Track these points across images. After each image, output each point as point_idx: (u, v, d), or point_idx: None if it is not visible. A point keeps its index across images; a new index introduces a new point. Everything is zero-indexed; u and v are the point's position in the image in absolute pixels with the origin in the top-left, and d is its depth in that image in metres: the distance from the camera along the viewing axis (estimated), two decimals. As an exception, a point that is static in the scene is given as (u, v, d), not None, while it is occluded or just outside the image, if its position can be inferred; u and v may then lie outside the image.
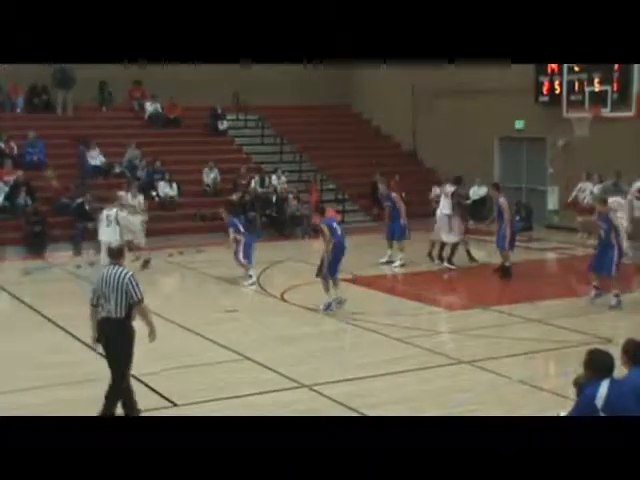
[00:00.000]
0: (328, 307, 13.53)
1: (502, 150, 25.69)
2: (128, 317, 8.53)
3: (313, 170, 26.56)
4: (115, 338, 8.52)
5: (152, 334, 8.73)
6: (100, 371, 10.59)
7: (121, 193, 21.45)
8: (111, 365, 8.56)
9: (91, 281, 16.61)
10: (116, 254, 8.90)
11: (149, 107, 26.76)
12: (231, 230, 16.26)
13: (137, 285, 8.51)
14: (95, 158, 23.84)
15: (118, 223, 16.02)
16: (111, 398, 8.52)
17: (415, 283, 16.15)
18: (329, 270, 13.55)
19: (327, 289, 13.61)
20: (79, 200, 21.52)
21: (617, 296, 13.69)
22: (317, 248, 21.20)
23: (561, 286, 17.16)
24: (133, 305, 8.50)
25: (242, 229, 16.36)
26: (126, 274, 8.52)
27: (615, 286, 13.76)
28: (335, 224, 14.02)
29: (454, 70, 18.82)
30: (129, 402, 8.66)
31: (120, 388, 8.52)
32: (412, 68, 20.89)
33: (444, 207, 17.67)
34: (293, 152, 26.89)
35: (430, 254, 17.85)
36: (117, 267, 8.64)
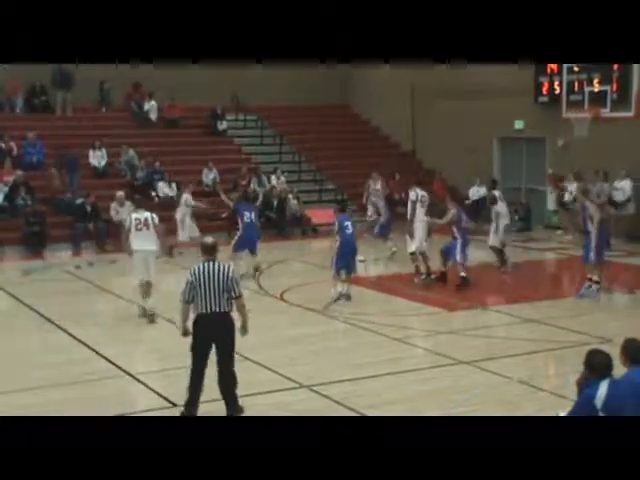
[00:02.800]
0: (336, 300, 14.11)
1: (502, 150, 25.69)
2: (229, 311, 8.69)
3: (312, 170, 26.58)
4: (220, 331, 8.63)
5: (244, 328, 8.89)
6: (100, 371, 10.63)
7: (120, 193, 21.52)
8: (220, 356, 8.67)
9: (91, 281, 16.85)
10: (211, 249, 8.88)
11: (148, 107, 26.75)
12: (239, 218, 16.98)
13: (237, 280, 8.76)
14: (97, 159, 23.85)
15: (155, 226, 13.31)
16: (231, 387, 8.71)
17: (415, 283, 16.12)
18: (335, 265, 14.29)
19: (334, 283, 14.38)
20: (79, 200, 21.53)
21: (592, 284, 14.27)
22: (317, 248, 21.25)
23: (560, 286, 17.18)
24: (233, 300, 8.65)
25: (246, 220, 16.69)
26: (227, 270, 8.66)
27: (592, 273, 14.33)
28: (348, 223, 14.48)
29: (454, 70, 18.86)
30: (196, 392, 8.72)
31: (234, 374, 8.73)
32: (412, 68, 20.91)
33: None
34: (292, 152, 26.90)
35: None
36: (215, 262, 8.70)
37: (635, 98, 19.98)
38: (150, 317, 13.13)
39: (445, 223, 15.92)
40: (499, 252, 17.09)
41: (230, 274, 8.62)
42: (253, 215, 17.00)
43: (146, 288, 13.20)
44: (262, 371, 10.50)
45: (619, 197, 20.88)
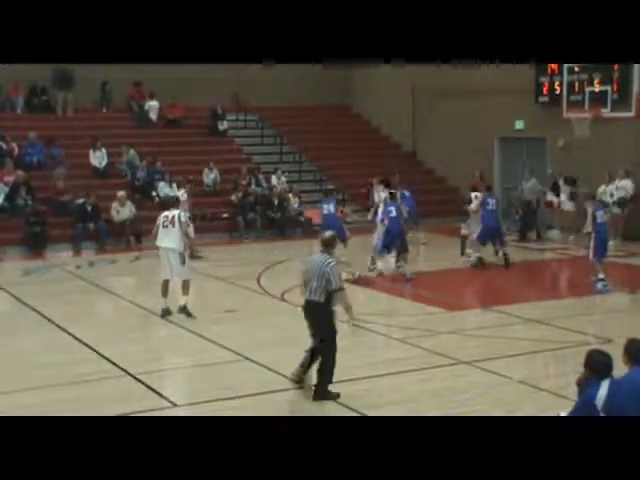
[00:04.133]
0: (377, 273, 16.49)
1: (502, 150, 25.68)
2: (328, 301, 9.25)
3: (313, 170, 26.58)
4: (317, 319, 9.37)
5: (350, 322, 9.60)
6: (100, 371, 10.63)
7: (121, 193, 21.53)
8: (320, 341, 9.40)
9: (92, 281, 16.86)
10: (328, 243, 9.54)
11: (149, 108, 26.76)
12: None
13: (337, 274, 9.26)
14: (98, 159, 23.86)
15: (180, 225, 13.27)
16: (326, 369, 9.35)
17: (415, 283, 16.13)
18: (378, 244, 16.56)
19: (374, 260, 16.84)
20: (80, 200, 21.53)
21: (600, 280, 14.79)
22: (318, 248, 21.24)
23: (561, 286, 17.19)
24: (331, 292, 9.18)
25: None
26: (329, 262, 9.21)
27: (597, 271, 14.85)
28: (393, 208, 16.50)
29: (454, 70, 18.86)
30: (305, 368, 9.52)
31: (332, 358, 9.35)
32: (412, 68, 20.92)
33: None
34: (293, 152, 26.90)
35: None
36: (324, 255, 9.35)
37: (635, 98, 19.97)
38: (164, 312, 13.32)
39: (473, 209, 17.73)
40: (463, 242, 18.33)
41: (329, 267, 9.14)
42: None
43: (164, 286, 13.37)
44: (262, 371, 10.49)
45: (621, 196, 20.88)
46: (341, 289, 9.30)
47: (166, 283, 13.35)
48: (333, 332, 9.38)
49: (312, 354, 9.48)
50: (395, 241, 16.41)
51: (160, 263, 13.54)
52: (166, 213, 13.52)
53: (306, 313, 9.49)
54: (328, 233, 9.78)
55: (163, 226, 13.30)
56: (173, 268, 13.27)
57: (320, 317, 9.34)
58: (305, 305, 9.47)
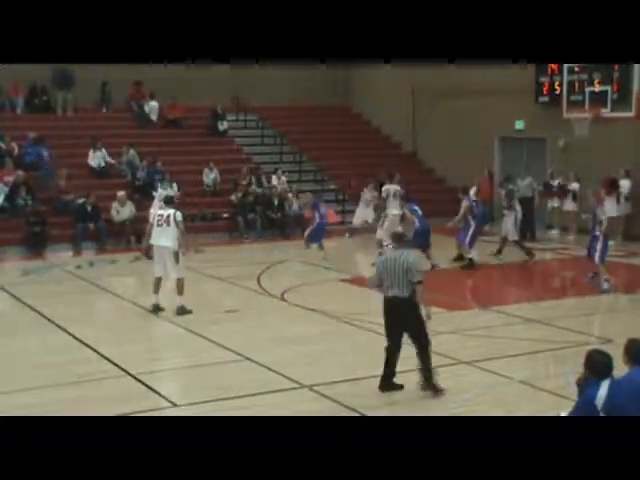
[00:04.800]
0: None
1: (502, 150, 25.68)
2: (412, 295, 9.34)
3: (313, 170, 26.58)
4: (406, 314, 9.41)
5: (427, 316, 9.54)
6: (100, 371, 10.63)
7: (121, 193, 21.53)
8: (412, 336, 9.53)
9: (92, 281, 16.85)
10: (399, 238, 9.82)
11: (149, 108, 26.76)
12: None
13: (418, 266, 9.43)
14: (98, 159, 23.86)
15: (177, 225, 13.30)
16: (425, 363, 9.52)
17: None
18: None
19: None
20: (80, 200, 21.53)
21: (606, 281, 14.74)
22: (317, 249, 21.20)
23: (561, 286, 17.18)
24: (414, 283, 9.30)
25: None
26: (407, 256, 9.39)
27: (602, 272, 14.84)
28: (417, 207, 17.16)
29: (454, 70, 18.82)
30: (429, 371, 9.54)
31: (428, 350, 9.50)
32: (412, 68, 20.92)
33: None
34: (293, 152, 26.90)
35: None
36: (400, 250, 9.52)
37: (635, 98, 19.98)
38: (154, 307, 13.48)
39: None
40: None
41: (409, 261, 9.29)
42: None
43: (156, 283, 13.53)
44: (262, 371, 10.49)
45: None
46: (421, 282, 9.34)
47: (158, 280, 13.57)
48: (423, 323, 9.47)
49: (390, 354, 9.58)
50: (420, 239, 16.61)
51: (154, 261, 13.74)
52: (160, 212, 13.67)
53: (391, 310, 9.46)
54: (398, 229, 10.15)
55: (157, 225, 13.43)
56: (167, 266, 13.41)
57: (409, 312, 9.39)
58: (390, 302, 9.44)
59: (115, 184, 22.71)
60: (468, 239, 17.46)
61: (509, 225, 18.24)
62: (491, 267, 17.40)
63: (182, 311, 13.39)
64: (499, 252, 18.27)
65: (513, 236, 18.21)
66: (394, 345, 9.58)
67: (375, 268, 9.73)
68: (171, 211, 13.49)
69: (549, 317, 13.08)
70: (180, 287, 13.43)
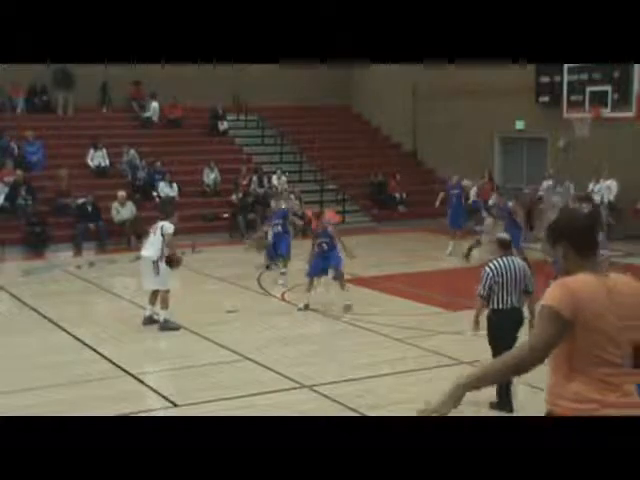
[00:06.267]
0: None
1: (502, 150, 25.69)
2: (522, 306, 8.74)
3: (313, 170, 26.59)
4: (518, 328, 8.68)
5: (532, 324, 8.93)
6: (100, 371, 10.63)
7: (121, 193, 21.55)
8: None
9: (92, 281, 16.86)
10: (508, 245, 9.10)
11: (150, 109, 26.77)
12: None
13: (531, 277, 8.89)
14: (98, 159, 23.87)
15: (162, 234, 12.62)
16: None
17: (415, 283, 16.14)
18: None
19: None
20: (80, 200, 21.54)
21: None
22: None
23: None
24: (529, 293, 8.79)
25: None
26: (523, 265, 8.86)
27: None
28: None
29: (454, 70, 18.84)
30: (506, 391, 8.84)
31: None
32: (412, 68, 20.95)
33: None
34: (293, 152, 26.91)
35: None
36: (511, 258, 8.85)
37: (636, 98, 19.99)
38: (146, 319, 12.87)
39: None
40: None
41: (525, 269, 8.80)
42: None
43: (151, 294, 12.91)
44: (262, 371, 10.50)
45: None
46: (533, 293, 8.80)
47: (154, 293, 12.81)
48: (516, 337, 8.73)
49: None
50: None
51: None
52: (158, 224, 12.83)
53: (510, 321, 8.67)
54: (506, 235, 9.41)
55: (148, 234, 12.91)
56: (147, 277, 12.77)
57: (521, 324, 8.72)
58: (509, 313, 8.69)
59: (115, 184, 22.72)
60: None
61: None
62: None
63: (166, 326, 12.58)
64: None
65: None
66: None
67: (484, 277, 8.83)
68: (163, 223, 12.71)
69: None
70: (164, 301, 12.61)
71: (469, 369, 10.49)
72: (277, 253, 16.10)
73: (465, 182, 20.71)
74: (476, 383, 4.18)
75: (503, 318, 8.75)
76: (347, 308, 13.54)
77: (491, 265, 8.79)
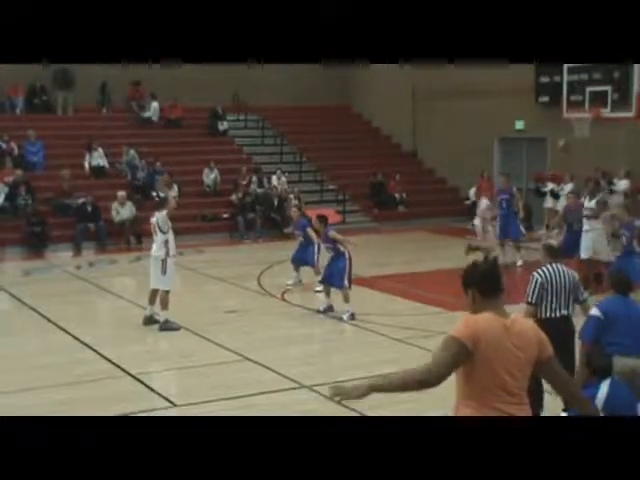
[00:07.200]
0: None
1: (502, 150, 25.69)
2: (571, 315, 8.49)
3: (313, 170, 26.60)
4: (571, 335, 8.33)
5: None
6: (101, 371, 10.63)
7: (121, 193, 21.54)
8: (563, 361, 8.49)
9: (92, 281, 16.85)
10: (556, 252, 8.81)
11: (150, 109, 26.76)
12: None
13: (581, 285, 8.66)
14: (96, 159, 23.86)
15: (161, 231, 12.58)
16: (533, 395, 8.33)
17: (415, 283, 16.14)
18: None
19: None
20: (80, 200, 21.54)
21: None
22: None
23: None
24: (580, 302, 8.52)
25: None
26: (573, 273, 8.53)
27: None
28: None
29: (454, 70, 18.83)
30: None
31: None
32: (412, 68, 20.93)
33: None
34: (293, 152, 26.91)
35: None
36: (561, 266, 8.46)
37: (635, 98, 19.98)
38: (147, 319, 12.83)
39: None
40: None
41: (576, 278, 8.48)
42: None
43: (151, 294, 12.83)
44: (262, 371, 10.49)
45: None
46: (586, 300, 8.54)
47: (154, 292, 12.75)
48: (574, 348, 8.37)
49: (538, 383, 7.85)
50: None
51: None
52: (151, 219, 12.83)
53: (560, 331, 7.84)
54: (554, 241, 9.26)
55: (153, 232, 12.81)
56: (152, 276, 12.70)
57: (569, 332, 8.32)
58: (558, 322, 8.17)
59: (115, 184, 22.71)
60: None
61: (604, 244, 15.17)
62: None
63: (166, 327, 12.49)
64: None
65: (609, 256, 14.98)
66: None
67: (532, 283, 8.40)
68: (154, 218, 12.64)
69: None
70: (164, 301, 12.51)
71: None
72: (306, 263, 15.72)
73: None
74: (380, 388, 5.03)
75: (552, 327, 8.51)
76: (350, 317, 13.30)
77: (539, 271, 8.39)
